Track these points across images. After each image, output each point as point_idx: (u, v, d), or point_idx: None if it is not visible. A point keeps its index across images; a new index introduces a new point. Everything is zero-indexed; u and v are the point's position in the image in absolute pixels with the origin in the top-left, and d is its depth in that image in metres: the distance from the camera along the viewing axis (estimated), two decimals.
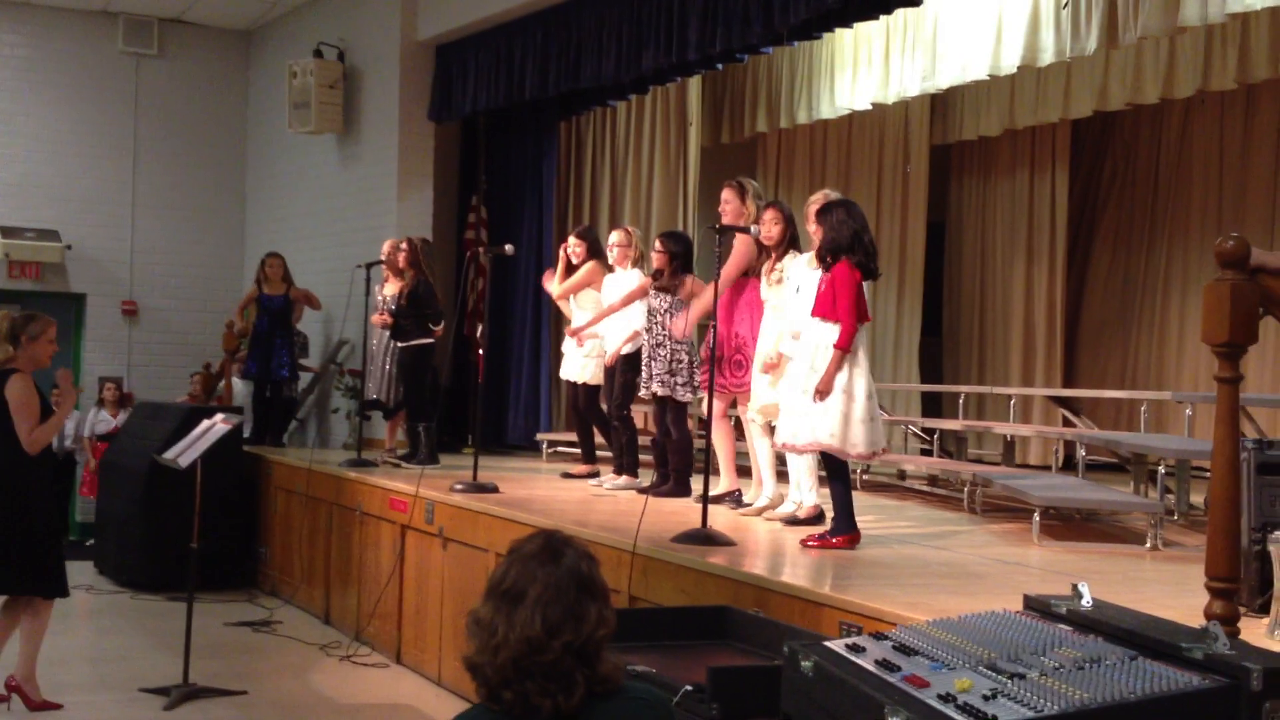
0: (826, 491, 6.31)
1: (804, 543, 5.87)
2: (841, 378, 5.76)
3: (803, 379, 5.90)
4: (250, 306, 11.62)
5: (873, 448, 5.92)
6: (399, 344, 9.63)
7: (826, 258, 5.88)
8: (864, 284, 5.98)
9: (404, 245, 9.67)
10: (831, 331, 5.78)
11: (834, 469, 5.92)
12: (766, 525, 6.72)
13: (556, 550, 2.49)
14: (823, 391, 5.76)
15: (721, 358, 7.06)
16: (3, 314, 6.75)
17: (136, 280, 13.92)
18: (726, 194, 7.39)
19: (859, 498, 8.34)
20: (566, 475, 8.99)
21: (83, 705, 6.76)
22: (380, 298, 9.83)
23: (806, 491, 6.66)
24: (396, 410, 9.90)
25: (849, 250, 5.82)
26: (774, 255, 6.87)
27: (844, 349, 5.74)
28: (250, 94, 14.44)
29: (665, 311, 7.81)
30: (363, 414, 10.29)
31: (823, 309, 5.85)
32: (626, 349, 8.24)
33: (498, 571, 2.49)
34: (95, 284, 13.72)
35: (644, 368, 7.87)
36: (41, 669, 6.82)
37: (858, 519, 6.69)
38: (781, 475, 7.04)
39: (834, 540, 5.83)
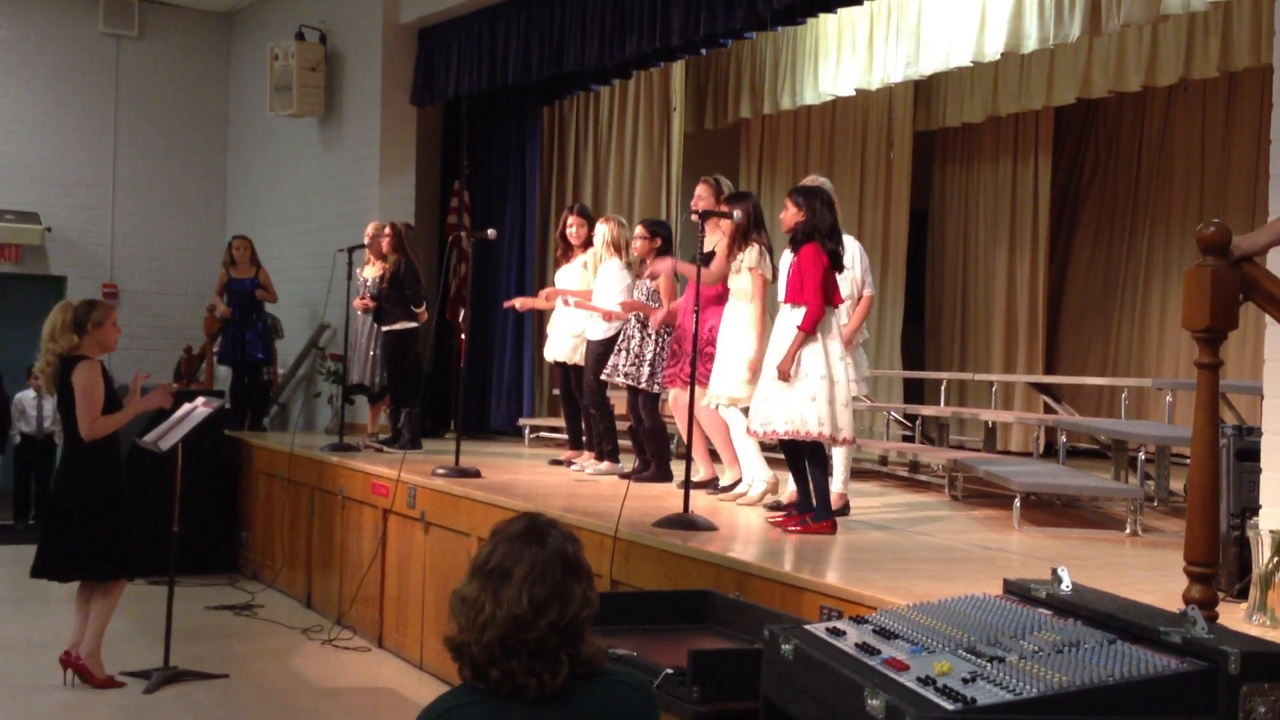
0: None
1: (784, 526, 5.86)
2: (820, 363, 5.75)
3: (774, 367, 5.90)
4: (224, 295, 11.57)
5: (853, 433, 5.96)
6: (381, 328, 9.62)
7: (798, 240, 5.87)
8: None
9: (388, 229, 9.65)
10: (800, 316, 5.78)
11: (814, 456, 5.91)
12: (747, 510, 6.73)
13: (541, 531, 2.50)
14: (783, 370, 5.75)
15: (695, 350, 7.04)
16: (65, 303, 6.87)
17: (117, 263, 13.86)
18: (702, 189, 7.39)
19: None
20: (555, 462, 8.96)
21: (63, 688, 6.75)
22: (361, 280, 9.80)
23: (839, 482, 6.66)
24: (382, 395, 9.88)
25: (826, 236, 5.83)
26: (735, 246, 6.84)
27: (808, 331, 5.73)
28: (231, 76, 14.37)
29: (643, 300, 7.81)
30: (346, 398, 10.26)
31: (792, 293, 5.84)
32: (603, 335, 8.22)
33: (482, 552, 2.50)
34: (75, 267, 13.65)
35: (616, 354, 7.89)
36: (22, 652, 6.83)
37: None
38: (777, 462, 7.05)
39: (813, 525, 5.84)
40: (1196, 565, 3.66)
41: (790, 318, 5.84)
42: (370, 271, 9.80)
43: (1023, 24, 9.04)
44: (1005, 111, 12.23)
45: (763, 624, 3.26)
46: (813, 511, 5.91)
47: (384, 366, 9.68)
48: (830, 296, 5.81)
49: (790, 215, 5.91)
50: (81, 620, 6.86)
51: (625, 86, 11.52)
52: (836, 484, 6.61)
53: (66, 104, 13.70)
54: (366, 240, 9.82)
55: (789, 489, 6.65)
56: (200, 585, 9.57)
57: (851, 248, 6.53)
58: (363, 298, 9.69)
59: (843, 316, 6.50)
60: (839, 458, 6.62)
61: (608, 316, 8.10)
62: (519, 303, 9.28)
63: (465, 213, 11.68)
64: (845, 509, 6.61)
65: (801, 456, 5.93)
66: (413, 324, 9.56)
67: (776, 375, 5.80)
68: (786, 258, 6.07)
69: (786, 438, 5.87)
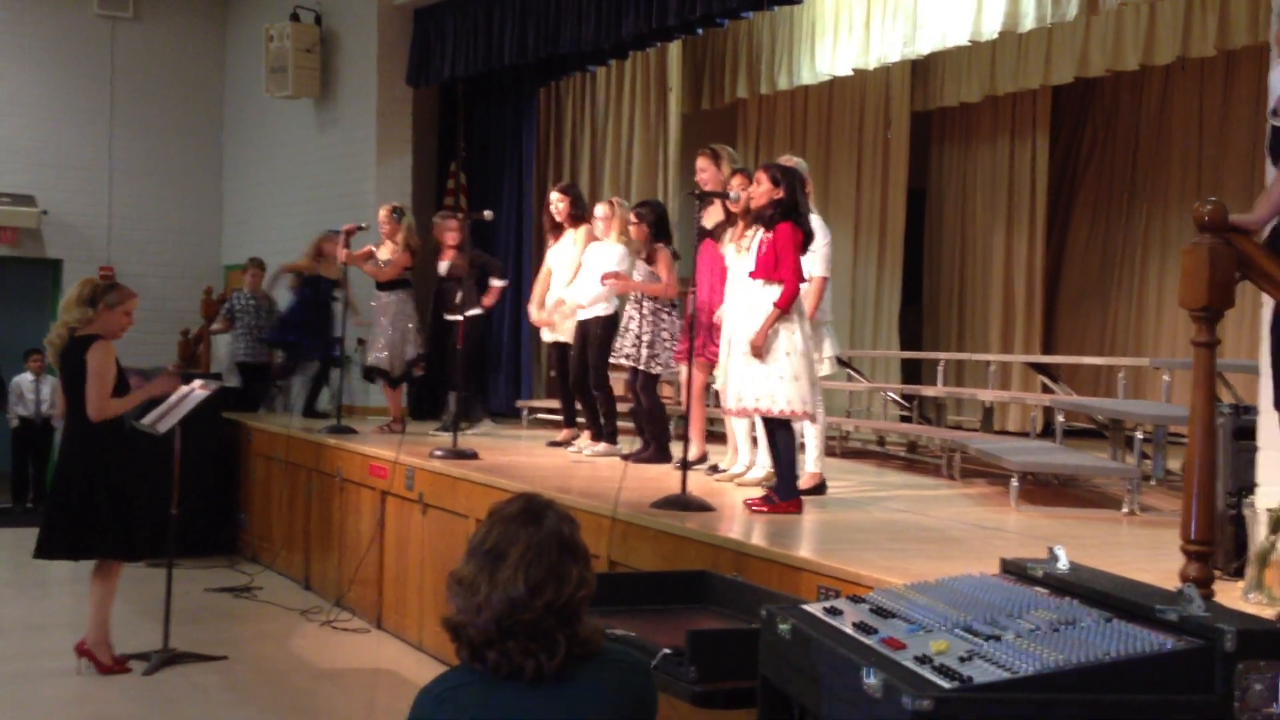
0: (827, 460, 6.37)
1: (751, 506, 5.85)
2: (797, 341, 5.74)
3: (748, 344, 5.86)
4: (288, 276, 10.99)
5: (816, 410, 5.95)
6: (456, 316, 9.44)
7: (774, 217, 5.83)
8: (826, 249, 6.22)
9: (454, 220, 9.46)
10: (774, 293, 5.75)
11: (784, 434, 5.89)
12: (744, 491, 6.72)
13: (537, 512, 2.50)
14: (758, 347, 5.74)
15: (704, 325, 7.04)
16: (87, 279, 6.92)
17: (114, 246, 13.84)
18: (702, 162, 7.34)
19: (839, 464, 8.41)
20: (553, 444, 8.96)
21: (63, 671, 6.77)
22: (378, 261, 9.69)
23: (812, 461, 6.65)
24: (402, 379, 9.75)
25: (803, 217, 5.81)
26: (744, 222, 6.81)
27: (783, 308, 5.72)
28: (227, 58, 14.32)
29: (640, 281, 7.82)
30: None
31: (765, 270, 5.81)
32: (602, 314, 8.21)
33: (479, 533, 2.50)
34: (72, 249, 13.64)
35: (619, 336, 7.89)
36: (22, 635, 6.85)
37: (836, 483, 6.71)
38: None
39: (780, 505, 5.81)
40: (1193, 544, 3.66)
41: (761, 294, 5.81)
42: (384, 253, 9.69)
43: (1020, 3, 9.01)
44: (1003, 91, 12.20)
45: (760, 604, 3.27)
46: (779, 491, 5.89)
47: (452, 352, 9.51)
48: (801, 275, 5.81)
49: (765, 190, 5.86)
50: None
51: (621, 67, 11.49)
52: (810, 463, 6.61)
53: (62, 86, 13.66)
54: (381, 225, 9.69)
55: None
56: (199, 567, 9.57)
57: (815, 226, 6.45)
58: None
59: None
60: (811, 437, 6.61)
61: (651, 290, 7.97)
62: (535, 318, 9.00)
63: (462, 194, 11.66)
64: (821, 487, 6.60)
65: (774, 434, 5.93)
66: (483, 310, 9.52)
67: (750, 352, 5.80)
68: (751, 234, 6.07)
69: (761, 414, 5.86)
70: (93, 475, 6.64)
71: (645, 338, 7.73)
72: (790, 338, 5.75)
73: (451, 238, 9.48)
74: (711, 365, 7.27)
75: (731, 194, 6.70)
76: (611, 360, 8.00)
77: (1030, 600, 2.81)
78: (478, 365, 9.63)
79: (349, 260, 9.47)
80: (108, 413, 6.64)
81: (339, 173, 11.82)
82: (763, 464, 6.89)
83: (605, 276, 7.90)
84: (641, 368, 7.76)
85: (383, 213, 9.82)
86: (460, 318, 9.20)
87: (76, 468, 6.68)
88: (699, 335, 7.13)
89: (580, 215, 8.64)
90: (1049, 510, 6.60)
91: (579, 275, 8.47)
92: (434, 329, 9.61)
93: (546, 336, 8.92)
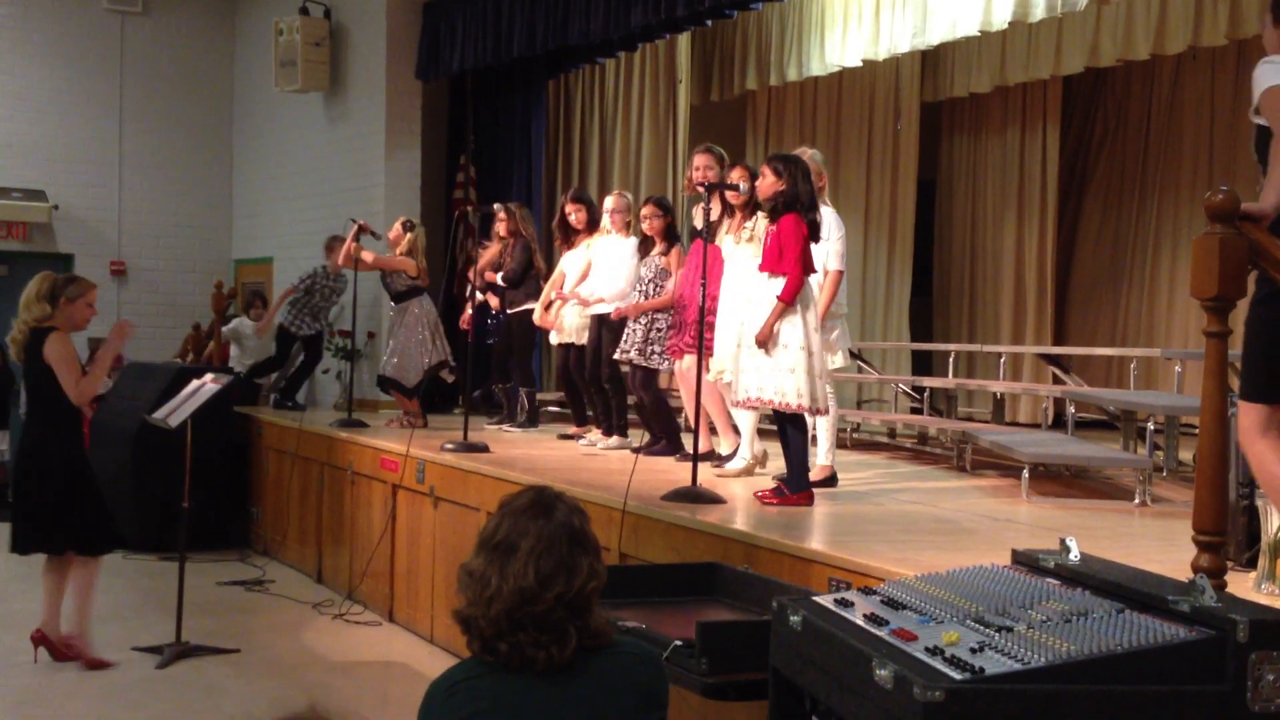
0: (838, 452, 6.36)
1: (761, 498, 5.85)
2: (798, 335, 5.72)
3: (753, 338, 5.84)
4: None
5: (825, 403, 5.93)
6: (507, 311, 9.39)
7: (778, 209, 5.81)
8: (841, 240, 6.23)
9: (503, 213, 9.31)
10: (779, 285, 5.73)
11: (796, 426, 5.88)
12: (756, 483, 6.72)
13: (548, 505, 2.50)
14: (761, 340, 5.73)
15: (691, 321, 7.03)
16: (45, 274, 6.86)
17: (124, 240, 13.86)
18: (708, 159, 7.26)
19: (850, 455, 8.40)
20: (564, 436, 8.96)
21: (73, 665, 6.78)
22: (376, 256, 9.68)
23: (824, 453, 6.65)
24: (416, 390, 9.60)
25: (807, 208, 5.79)
26: (741, 214, 6.80)
27: (787, 301, 5.70)
28: (236, 52, 14.33)
29: (650, 280, 7.80)
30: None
31: (770, 263, 5.81)
32: (611, 312, 8.21)
33: (489, 525, 2.50)
34: (83, 244, 13.66)
35: (625, 333, 7.88)
36: (32, 628, 6.85)
37: (848, 475, 6.70)
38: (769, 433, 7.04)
39: (790, 497, 5.80)
40: (1205, 534, 3.65)
41: (768, 287, 5.81)
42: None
43: None
44: (1013, 81, 12.17)
45: (771, 596, 3.26)
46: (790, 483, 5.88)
47: (506, 349, 9.48)
48: (807, 267, 5.80)
49: (769, 184, 5.83)
50: (52, 597, 6.83)
51: (630, 59, 11.48)
52: (822, 456, 6.61)
53: (71, 81, 13.67)
54: (392, 229, 9.65)
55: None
56: (211, 561, 9.59)
57: (828, 219, 6.43)
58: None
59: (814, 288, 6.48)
60: (823, 429, 6.61)
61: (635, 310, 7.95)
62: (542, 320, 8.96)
63: (471, 187, 11.66)
64: (832, 479, 6.60)
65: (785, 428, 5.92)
66: (534, 304, 9.38)
67: (755, 345, 5.79)
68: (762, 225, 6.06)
69: (772, 407, 5.85)
70: (62, 468, 6.64)
71: (648, 334, 7.73)
72: (792, 331, 5.74)
73: (501, 229, 9.44)
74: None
75: (741, 186, 6.69)
76: (616, 357, 7.98)
77: (1042, 591, 2.80)
78: (520, 361, 9.55)
79: (353, 252, 9.45)
80: (87, 392, 6.65)
81: (348, 166, 11.83)
82: (743, 455, 6.90)
83: (618, 313, 7.88)
84: (641, 362, 7.75)
85: (398, 223, 9.77)
86: (518, 309, 9.24)
87: (43, 462, 6.67)
88: (681, 330, 7.15)
89: (594, 222, 8.63)
90: (1060, 501, 6.59)
91: (590, 270, 8.48)
92: (509, 323, 9.52)
93: (554, 338, 8.90)
